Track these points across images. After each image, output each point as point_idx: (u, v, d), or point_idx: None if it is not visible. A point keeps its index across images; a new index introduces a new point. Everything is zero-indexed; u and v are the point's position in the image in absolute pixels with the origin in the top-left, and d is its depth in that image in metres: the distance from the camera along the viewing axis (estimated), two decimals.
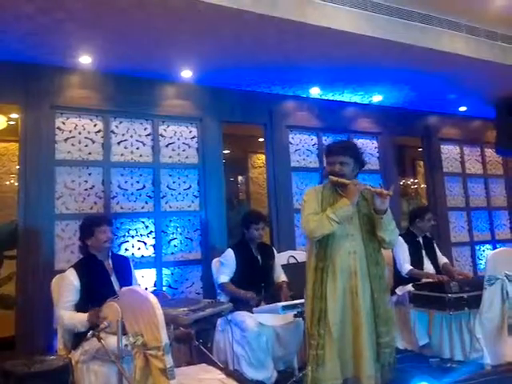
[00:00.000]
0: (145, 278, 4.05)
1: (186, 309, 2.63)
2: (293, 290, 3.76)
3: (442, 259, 4.43)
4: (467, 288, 3.67)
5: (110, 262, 3.07)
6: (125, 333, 2.20)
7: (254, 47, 3.69)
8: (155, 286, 4.06)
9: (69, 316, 2.83)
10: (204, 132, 4.48)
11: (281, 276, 3.85)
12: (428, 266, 4.24)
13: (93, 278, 2.91)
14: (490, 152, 6.64)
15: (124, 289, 2.28)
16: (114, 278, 3.00)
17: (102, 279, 2.95)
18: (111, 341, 2.48)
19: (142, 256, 4.10)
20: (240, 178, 7.21)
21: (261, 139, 6.49)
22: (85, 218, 3.22)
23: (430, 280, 3.93)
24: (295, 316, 3.17)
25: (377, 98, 5.31)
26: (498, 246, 6.38)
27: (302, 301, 3.10)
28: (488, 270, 3.61)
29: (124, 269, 3.11)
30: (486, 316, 3.58)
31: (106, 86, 4.05)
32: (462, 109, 6.02)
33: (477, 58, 4.22)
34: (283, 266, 3.99)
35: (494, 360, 3.56)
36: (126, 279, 3.05)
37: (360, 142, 5.41)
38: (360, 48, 3.79)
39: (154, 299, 1.92)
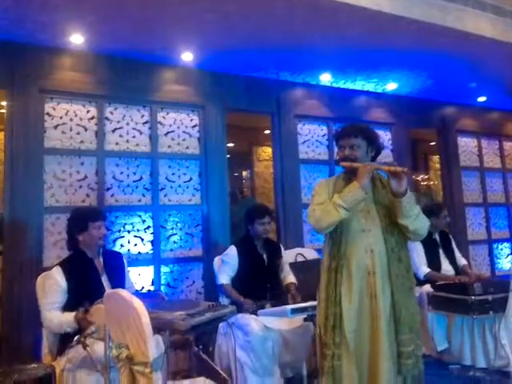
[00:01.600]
0: (142, 276, 3.76)
1: (182, 313, 2.33)
2: (301, 292, 3.48)
3: (461, 260, 4.14)
4: (492, 289, 3.39)
5: (101, 259, 2.79)
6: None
7: (261, 24, 3.36)
8: (153, 284, 3.76)
9: (55, 317, 2.56)
10: (206, 120, 4.16)
11: (288, 277, 3.57)
12: (446, 267, 3.96)
13: (81, 277, 2.62)
14: (508, 145, 6.34)
15: (108, 292, 1.99)
16: (104, 278, 2.72)
17: (91, 279, 2.67)
18: (98, 348, 2.22)
19: (139, 253, 3.80)
20: (244, 172, 6.91)
21: (267, 131, 6.25)
22: (76, 209, 2.93)
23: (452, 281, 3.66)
24: (305, 320, 2.89)
25: (391, 87, 4.98)
26: None
27: (313, 303, 2.84)
28: None
29: (116, 267, 2.83)
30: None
31: (100, 68, 3.75)
32: (481, 99, 5.69)
33: (502, 41, 3.87)
34: (291, 265, 3.71)
35: None
36: (119, 279, 2.77)
37: None
38: (377, 26, 3.45)
39: (140, 306, 1.62)
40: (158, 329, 2.52)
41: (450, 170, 5.70)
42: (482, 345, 3.45)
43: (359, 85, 4.90)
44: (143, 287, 3.68)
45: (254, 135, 6.40)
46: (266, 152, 6.65)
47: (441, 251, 3.97)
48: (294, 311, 2.79)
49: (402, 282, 2.20)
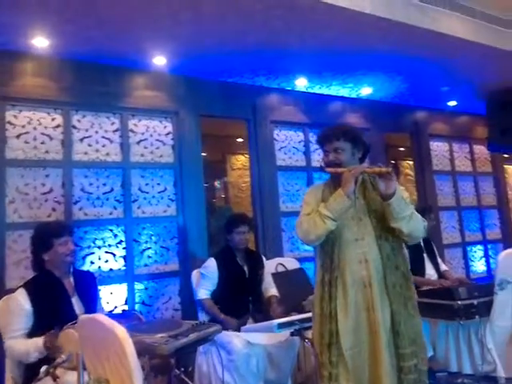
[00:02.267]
0: (114, 295, 3.52)
1: (164, 335, 2.15)
2: (284, 304, 3.34)
3: (442, 265, 4.11)
4: (476, 293, 3.35)
5: (72, 279, 2.55)
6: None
7: (237, 25, 3.21)
8: (126, 303, 3.52)
9: (20, 343, 2.30)
10: (180, 127, 3.98)
11: (270, 289, 3.42)
12: (430, 272, 3.90)
13: (49, 300, 2.37)
14: (478, 149, 6.42)
15: (83, 317, 1.77)
16: (75, 300, 2.48)
17: (60, 301, 2.42)
18: (70, 379, 2.00)
19: (111, 269, 3.55)
20: (217, 181, 6.73)
21: (239, 139, 6.14)
22: (39, 226, 2.67)
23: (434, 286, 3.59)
24: (292, 334, 2.74)
25: (366, 91, 4.94)
26: (489, 246, 6.17)
27: (301, 316, 2.72)
28: (499, 273, 3.30)
29: (88, 288, 2.59)
30: (498, 324, 3.29)
31: (66, 73, 3.51)
32: (452, 103, 5.75)
33: (473, 41, 3.86)
34: (273, 276, 3.55)
35: (509, 373, 3.24)
36: (91, 301, 2.54)
37: None
38: (356, 28, 3.37)
39: (123, 334, 1.42)
40: (137, 354, 2.33)
41: (424, 175, 5.71)
42: (468, 350, 3.38)
43: (334, 90, 4.83)
44: (116, 307, 3.44)
45: (227, 143, 6.25)
46: (240, 160, 6.50)
47: (425, 256, 3.91)
48: (281, 326, 2.64)
49: (399, 291, 2.07)
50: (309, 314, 2.74)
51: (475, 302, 3.24)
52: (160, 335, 2.13)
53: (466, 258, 5.89)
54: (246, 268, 3.33)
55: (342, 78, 4.52)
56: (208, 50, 3.61)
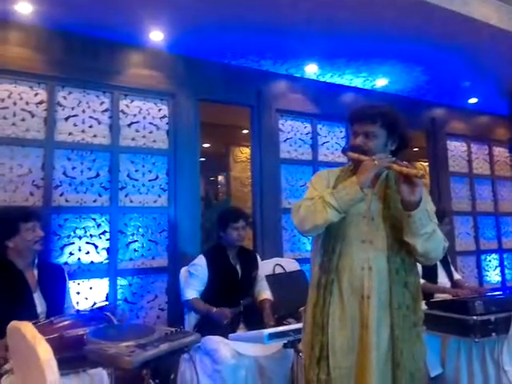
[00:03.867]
0: (94, 291, 3.21)
1: (131, 343, 1.84)
2: (279, 311, 3.04)
3: (455, 274, 3.78)
4: (494, 308, 3.01)
5: (36, 272, 2.25)
6: None
7: (243, 1, 2.90)
8: (107, 299, 3.22)
9: None
10: (177, 111, 3.65)
11: (263, 292, 3.12)
12: (443, 280, 3.60)
13: (6, 295, 2.08)
14: (497, 151, 6.02)
15: (11, 325, 1.46)
16: (37, 295, 2.19)
17: (19, 297, 2.13)
18: None
19: (92, 262, 3.25)
20: (220, 176, 6.42)
21: (245, 131, 5.82)
22: (3, 209, 2.39)
23: (447, 297, 3.28)
24: (285, 346, 2.42)
25: (381, 83, 4.59)
26: (504, 255, 5.78)
27: (295, 326, 2.40)
28: None
29: (54, 282, 2.30)
30: None
31: (53, 45, 3.20)
32: (472, 101, 5.35)
33: (507, 30, 3.49)
34: (268, 278, 3.25)
35: None
36: (56, 297, 2.25)
37: None
38: (372, 7, 3.03)
39: (46, 355, 1.12)
40: (99, 365, 2.03)
41: (439, 176, 5.34)
42: (482, 371, 3.05)
43: (347, 80, 4.48)
44: (95, 303, 3.13)
45: (232, 134, 5.92)
46: (244, 153, 6.18)
47: (438, 263, 3.56)
48: (272, 337, 2.32)
49: (405, 314, 1.71)
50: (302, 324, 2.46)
51: (493, 317, 2.91)
52: (126, 344, 1.83)
53: (479, 267, 5.51)
54: (238, 268, 3.02)
55: (355, 66, 4.17)
56: (210, 28, 3.28)
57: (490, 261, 5.66)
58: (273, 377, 2.70)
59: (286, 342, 2.37)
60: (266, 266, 3.38)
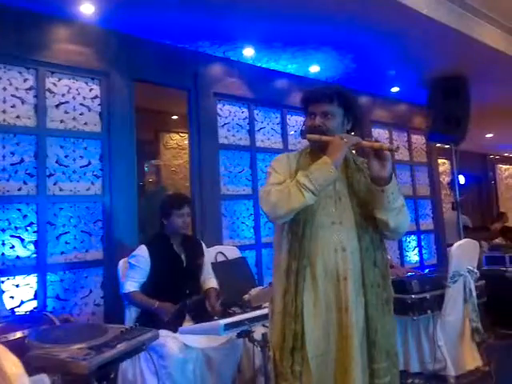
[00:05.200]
0: (20, 289, 2.90)
1: (83, 346, 1.68)
2: (223, 297, 2.97)
3: None
4: (428, 287, 3.21)
5: None
6: None
7: None
8: (36, 298, 2.92)
9: None
10: (110, 91, 3.38)
11: (209, 281, 3.03)
12: None
13: None
14: (415, 138, 6.39)
15: None
16: None
17: None
18: None
19: (18, 257, 2.93)
20: (149, 163, 6.13)
21: (175, 116, 5.61)
22: None
23: None
24: (239, 336, 2.37)
25: (314, 69, 4.64)
26: (421, 236, 6.18)
27: (251, 315, 2.35)
28: (453, 266, 3.15)
29: None
30: (449, 319, 3.18)
31: None
32: (395, 89, 5.62)
33: (433, 18, 3.65)
34: (212, 265, 3.17)
35: (458, 371, 3.12)
36: None
37: (293, 120, 4.75)
38: None
39: (13, 370, 0.94)
40: (46, 371, 1.83)
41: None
42: (417, 347, 3.25)
43: (282, 65, 4.47)
44: (22, 302, 2.83)
45: (162, 120, 5.69)
46: (174, 139, 5.97)
47: None
48: (228, 327, 2.25)
49: (377, 292, 1.72)
50: (257, 313, 2.40)
51: (428, 295, 3.11)
52: (77, 346, 1.66)
53: (401, 248, 5.85)
54: (183, 256, 2.89)
55: (291, 52, 4.17)
56: (144, 1, 3.06)
57: (409, 242, 6.02)
58: (221, 369, 2.63)
59: (239, 332, 2.32)
60: (208, 255, 3.28)
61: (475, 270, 3.27)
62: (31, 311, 2.07)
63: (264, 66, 4.41)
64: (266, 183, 1.79)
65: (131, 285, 2.74)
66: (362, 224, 1.74)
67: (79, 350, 1.64)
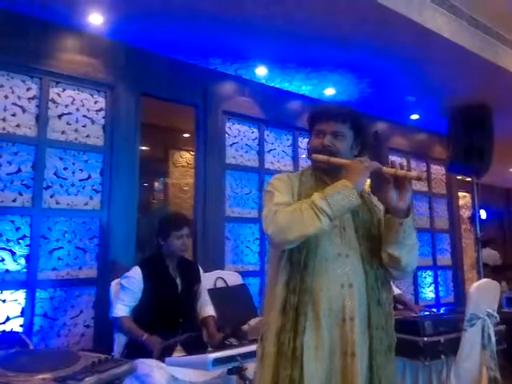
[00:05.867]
0: (7, 305, 2.76)
1: (48, 376, 1.51)
2: (222, 329, 2.78)
3: (395, 290, 3.70)
4: (442, 329, 2.93)
5: None
6: None
7: None
8: (23, 315, 2.77)
9: None
10: (115, 104, 3.30)
11: (206, 308, 2.85)
12: None
13: None
14: (435, 169, 6.16)
15: None
16: None
17: None
18: None
19: (7, 271, 2.80)
20: (157, 182, 6.04)
21: (186, 134, 5.53)
22: None
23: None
24: (230, 373, 2.16)
25: (329, 92, 4.51)
26: (438, 272, 5.89)
27: (243, 350, 2.15)
28: (470, 308, 2.88)
29: None
30: (464, 366, 2.87)
31: None
32: (414, 117, 5.45)
33: (456, 43, 3.52)
34: (209, 292, 2.98)
35: None
36: None
37: (305, 142, 4.59)
38: (328, 10, 2.92)
39: None
40: None
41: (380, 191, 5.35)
42: None
43: (296, 86, 4.36)
44: (8, 319, 2.68)
45: (172, 137, 5.61)
46: (184, 157, 5.88)
47: None
48: (217, 362, 2.06)
49: (381, 336, 1.50)
50: (252, 347, 2.19)
51: (442, 339, 2.83)
52: (41, 377, 1.50)
53: (415, 284, 5.56)
54: (178, 280, 2.72)
55: (305, 73, 4.06)
56: (155, 14, 3.01)
57: (425, 277, 5.73)
58: None
59: (231, 368, 2.12)
60: (206, 280, 3.10)
61: (495, 314, 3.01)
62: (4, 332, 1.91)
63: (277, 86, 4.31)
64: (267, 203, 1.59)
65: (120, 309, 2.58)
66: (367, 259, 1.55)
67: (42, 381, 1.47)
